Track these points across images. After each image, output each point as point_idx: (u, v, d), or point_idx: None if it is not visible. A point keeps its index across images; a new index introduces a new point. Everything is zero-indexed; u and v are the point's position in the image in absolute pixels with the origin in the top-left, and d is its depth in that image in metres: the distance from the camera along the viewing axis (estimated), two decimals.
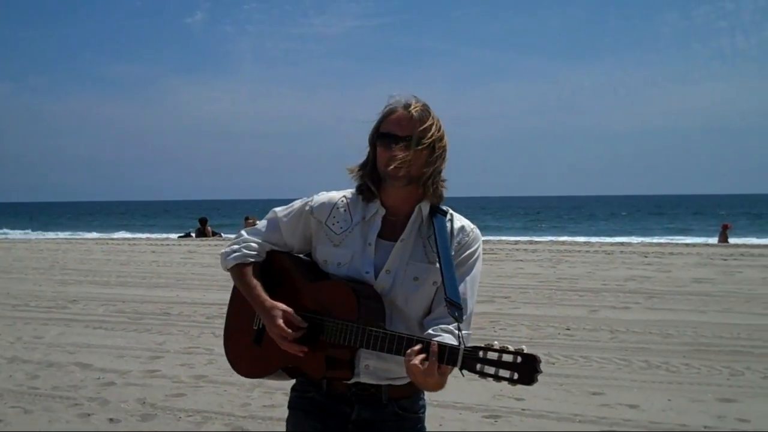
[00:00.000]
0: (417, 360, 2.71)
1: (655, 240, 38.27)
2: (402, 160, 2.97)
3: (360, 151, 3.16)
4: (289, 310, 3.04)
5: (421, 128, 3.00)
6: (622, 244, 32.34)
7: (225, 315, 3.38)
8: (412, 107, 3.03)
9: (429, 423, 3.26)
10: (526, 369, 2.63)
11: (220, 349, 9.72)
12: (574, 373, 8.75)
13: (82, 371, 8.86)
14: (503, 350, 2.65)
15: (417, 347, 2.74)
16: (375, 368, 3.05)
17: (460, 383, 8.40)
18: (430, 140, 3.01)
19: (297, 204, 3.23)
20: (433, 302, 3.09)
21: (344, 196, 3.20)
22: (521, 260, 22.22)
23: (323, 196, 3.21)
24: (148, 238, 41.15)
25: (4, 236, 45.12)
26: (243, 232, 3.27)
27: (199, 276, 17.98)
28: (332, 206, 3.17)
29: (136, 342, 10.57)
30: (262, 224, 3.24)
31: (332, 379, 3.09)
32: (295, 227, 3.19)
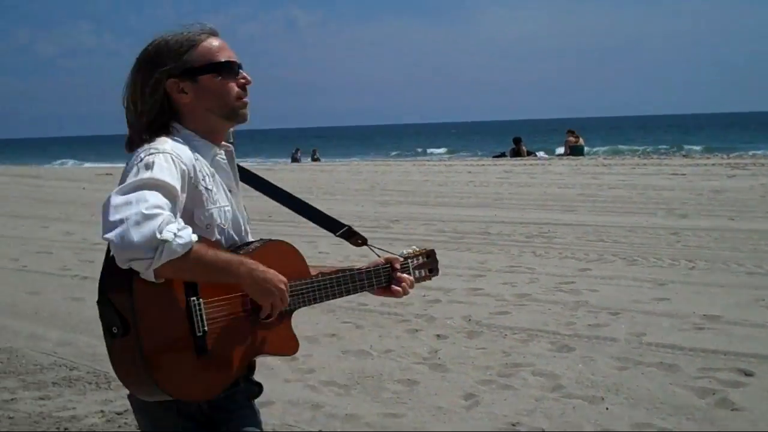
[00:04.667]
0: (408, 281, 3.15)
1: None
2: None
3: None
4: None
5: None
6: None
7: (144, 328, 2.39)
8: (215, 28, 2.74)
9: None
10: (433, 262, 3.39)
11: (542, 268, 9.65)
12: None
13: None
14: (416, 254, 3.31)
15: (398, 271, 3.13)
16: None
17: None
18: None
19: (173, 166, 2.46)
20: None
21: (184, 145, 2.60)
22: None
23: (181, 149, 2.54)
24: (463, 158, 41.76)
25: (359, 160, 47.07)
26: (152, 210, 2.30)
27: (516, 195, 17.89)
28: (193, 159, 2.57)
29: (458, 261, 10.64)
30: (157, 198, 2.33)
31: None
32: (183, 196, 2.48)
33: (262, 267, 2.52)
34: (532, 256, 10.84)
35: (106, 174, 28.86)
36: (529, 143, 36.67)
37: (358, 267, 3.07)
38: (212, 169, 2.66)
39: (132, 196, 2.32)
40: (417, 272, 3.27)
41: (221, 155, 2.73)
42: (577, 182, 19.82)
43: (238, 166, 2.88)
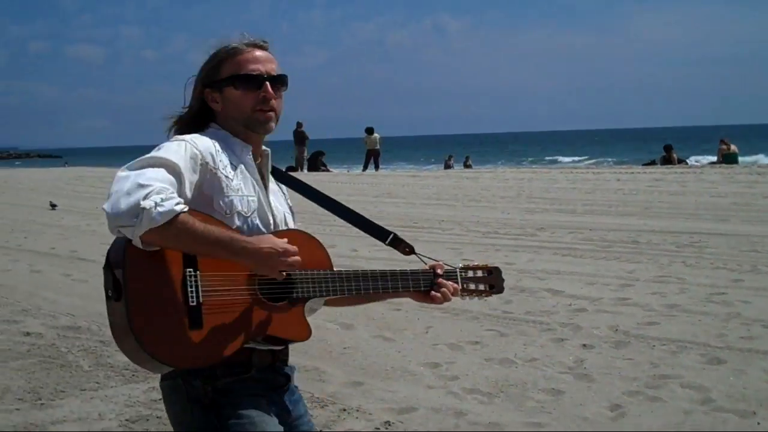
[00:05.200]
0: (451, 288, 3.09)
1: None
2: (274, 105, 2.85)
3: None
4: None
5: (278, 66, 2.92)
6: None
7: (132, 291, 2.52)
8: (260, 41, 2.90)
9: None
10: (496, 279, 3.29)
11: (693, 278, 9.37)
12: None
13: (553, 297, 8.96)
14: (476, 267, 3.27)
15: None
16: None
17: None
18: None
19: (183, 148, 2.66)
20: None
21: (211, 137, 2.81)
22: None
23: (200, 139, 2.75)
24: (611, 166, 40.96)
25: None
26: (143, 180, 2.48)
27: (667, 204, 17.43)
28: (213, 149, 2.75)
29: (605, 269, 10.46)
30: (159, 174, 2.53)
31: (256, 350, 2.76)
32: (193, 176, 2.65)
33: (254, 239, 2.60)
34: (682, 266, 10.54)
35: None
36: (678, 151, 35.65)
37: (402, 270, 3.07)
38: (241, 164, 2.82)
39: (133, 172, 2.52)
40: (472, 285, 3.24)
41: (250, 156, 2.86)
42: (730, 191, 19.17)
43: (295, 178, 3.14)
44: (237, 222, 2.73)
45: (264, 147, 2.97)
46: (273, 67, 2.87)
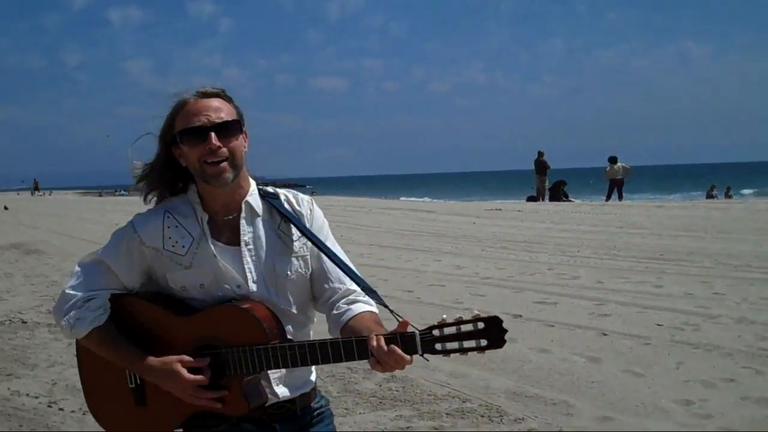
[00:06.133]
0: (386, 355, 2.62)
1: None
2: (224, 153, 2.74)
3: None
4: (185, 357, 2.74)
5: (234, 107, 2.85)
6: None
7: (86, 378, 3.03)
8: (210, 89, 2.81)
9: None
10: (492, 332, 2.58)
11: None
12: None
13: None
14: (459, 322, 2.60)
15: (379, 344, 2.61)
16: (288, 383, 2.91)
17: None
18: (240, 118, 2.85)
19: (119, 240, 2.86)
20: (315, 287, 2.96)
21: (166, 212, 2.85)
22: None
23: (146, 222, 2.84)
24: None
25: None
26: (68, 290, 2.83)
27: None
28: (161, 228, 2.81)
29: None
30: (90, 277, 2.84)
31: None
32: (130, 265, 2.84)
33: (155, 362, 2.74)
34: None
35: (496, 209, 29.67)
36: None
37: (335, 338, 2.74)
38: (201, 231, 2.81)
39: (76, 270, 2.87)
40: (454, 343, 2.62)
41: (206, 224, 2.81)
42: None
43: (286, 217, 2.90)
44: (194, 295, 2.81)
45: (250, 198, 2.87)
46: (220, 115, 2.75)
